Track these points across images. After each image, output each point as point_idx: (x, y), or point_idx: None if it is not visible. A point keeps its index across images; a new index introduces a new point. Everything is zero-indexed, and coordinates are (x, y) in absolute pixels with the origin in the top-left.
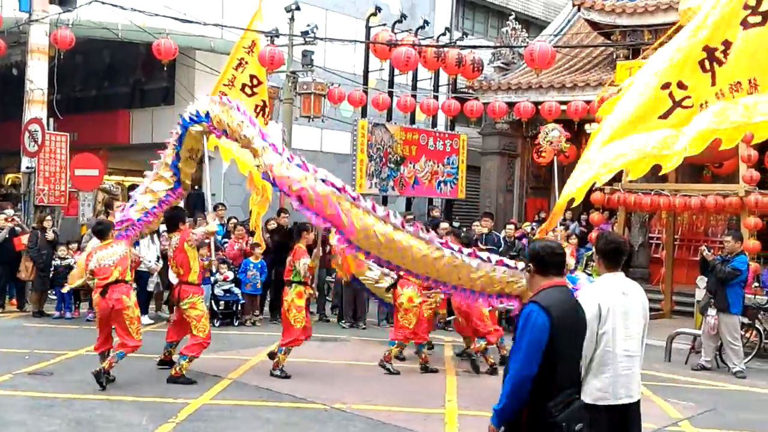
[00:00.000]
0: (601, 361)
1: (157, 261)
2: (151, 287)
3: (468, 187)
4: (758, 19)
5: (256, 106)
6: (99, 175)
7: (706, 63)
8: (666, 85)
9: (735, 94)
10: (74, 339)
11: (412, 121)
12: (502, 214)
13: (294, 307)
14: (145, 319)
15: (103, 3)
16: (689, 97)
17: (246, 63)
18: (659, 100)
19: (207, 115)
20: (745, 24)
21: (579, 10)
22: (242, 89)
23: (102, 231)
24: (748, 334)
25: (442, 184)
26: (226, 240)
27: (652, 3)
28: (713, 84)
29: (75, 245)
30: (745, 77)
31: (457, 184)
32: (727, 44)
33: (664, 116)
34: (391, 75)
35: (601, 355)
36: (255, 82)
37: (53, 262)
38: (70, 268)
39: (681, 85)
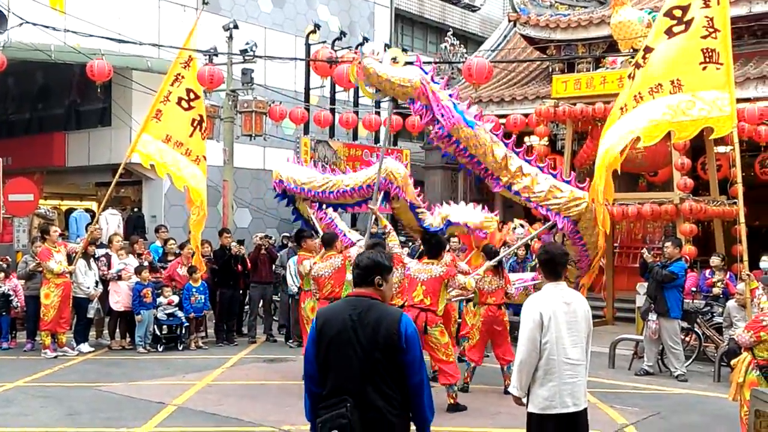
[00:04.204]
0: (546, 369)
1: (96, 286)
2: (91, 314)
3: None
4: (682, 27)
5: (193, 120)
6: (34, 200)
7: (633, 71)
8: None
9: (655, 94)
10: (11, 370)
11: (355, 137)
12: None
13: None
14: (86, 347)
15: (34, 25)
16: (624, 105)
17: (182, 78)
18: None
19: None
20: (669, 33)
21: (515, 25)
22: (178, 103)
23: (329, 241)
24: (688, 338)
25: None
26: (162, 264)
27: (585, 18)
28: (632, 87)
29: (1, 274)
30: (666, 79)
31: None
32: (647, 50)
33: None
34: (333, 92)
35: (546, 364)
36: (192, 96)
37: None
38: (5, 296)
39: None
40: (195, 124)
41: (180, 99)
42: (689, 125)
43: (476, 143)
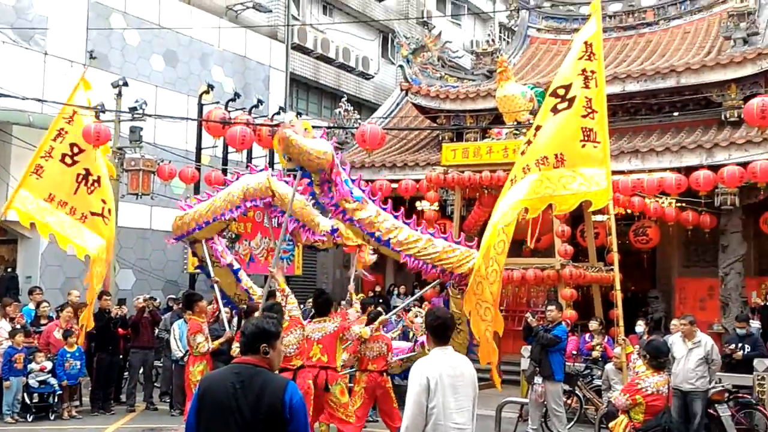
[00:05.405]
0: None
1: None
2: None
3: (305, 264)
4: (565, 104)
5: (78, 175)
6: None
7: (525, 147)
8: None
9: (541, 167)
10: None
11: None
12: (339, 289)
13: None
14: None
15: None
16: (514, 177)
17: (66, 133)
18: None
19: None
20: (554, 110)
21: (407, 94)
22: (62, 159)
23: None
24: (569, 401)
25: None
26: (34, 328)
27: (472, 90)
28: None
29: None
30: (551, 152)
31: (294, 261)
32: (537, 128)
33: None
34: (225, 152)
35: (432, 429)
36: (75, 150)
37: None
38: None
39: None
40: (80, 180)
41: (64, 155)
42: (569, 198)
43: (362, 215)
